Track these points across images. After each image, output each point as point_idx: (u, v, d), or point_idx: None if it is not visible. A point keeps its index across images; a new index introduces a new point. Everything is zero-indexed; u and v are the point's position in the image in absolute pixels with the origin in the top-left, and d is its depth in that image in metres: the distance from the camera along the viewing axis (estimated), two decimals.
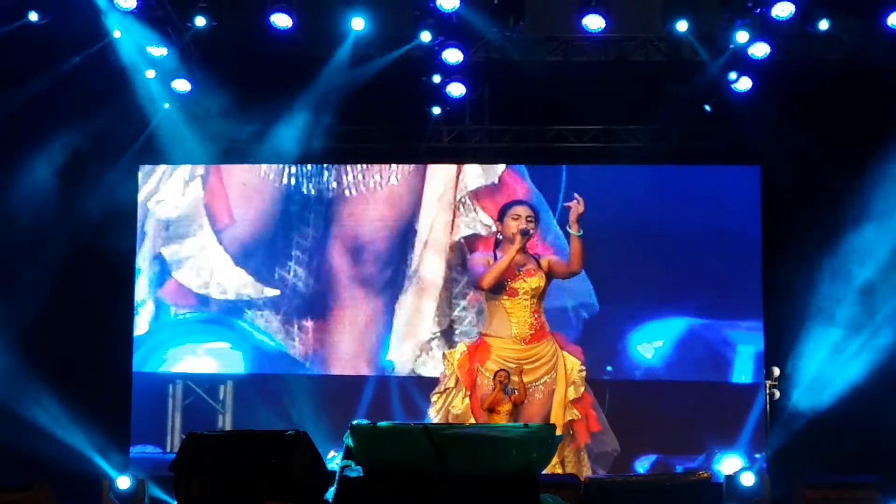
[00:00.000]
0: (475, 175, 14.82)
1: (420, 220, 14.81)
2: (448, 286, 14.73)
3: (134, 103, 14.22)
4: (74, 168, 14.23)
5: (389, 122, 14.79)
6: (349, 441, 8.04)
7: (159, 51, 13.57)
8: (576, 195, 14.24)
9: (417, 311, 14.73)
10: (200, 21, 13.59)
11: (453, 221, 14.79)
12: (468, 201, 14.77)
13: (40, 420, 13.76)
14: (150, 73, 14.01)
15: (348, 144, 14.87)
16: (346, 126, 14.70)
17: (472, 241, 14.76)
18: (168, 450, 14.50)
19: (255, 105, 14.14)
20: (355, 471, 7.90)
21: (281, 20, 13.48)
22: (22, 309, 13.77)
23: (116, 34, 13.63)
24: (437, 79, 14.09)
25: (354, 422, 8.35)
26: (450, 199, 14.81)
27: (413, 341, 14.70)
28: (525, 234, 14.32)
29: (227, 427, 14.54)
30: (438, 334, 14.69)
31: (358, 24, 13.65)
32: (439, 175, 14.87)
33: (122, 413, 14.49)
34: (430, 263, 14.76)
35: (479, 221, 14.77)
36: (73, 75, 13.80)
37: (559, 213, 14.60)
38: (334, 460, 10.76)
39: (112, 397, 14.37)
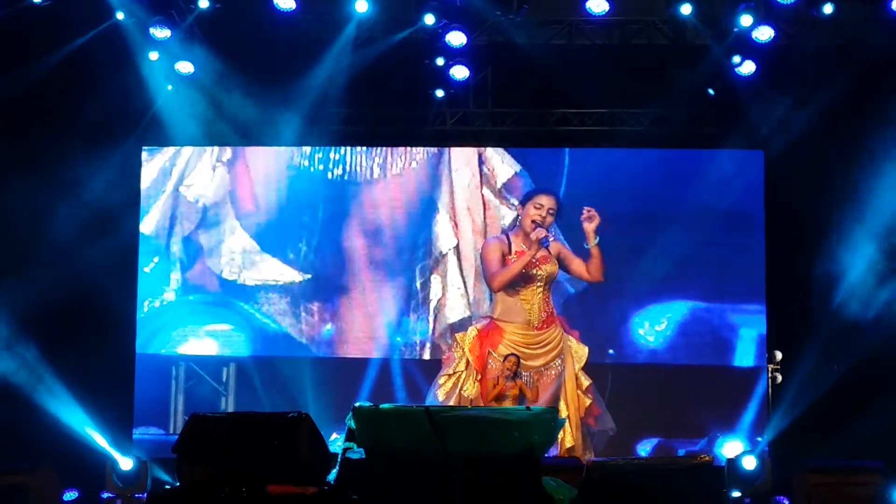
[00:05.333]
0: (499, 160, 14.82)
1: (445, 204, 14.80)
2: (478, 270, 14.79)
3: (137, 85, 14.21)
4: (78, 149, 14.21)
5: (392, 104, 14.76)
6: (351, 423, 8.07)
7: (163, 32, 13.55)
8: (586, 209, 14.28)
9: (451, 293, 14.75)
10: (204, 3, 13.61)
11: (485, 207, 14.79)
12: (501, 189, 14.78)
13: (43, 402, 13.78)
14: (154, 55, 13.99)
15: (351, 127, 14.85)
16: (349, 108, 14.68)
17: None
18: (171, 431, 14.53)
19: (258, 87, 14.14)
20: (357, 453, 7.93)
21: (284, 2, 13.48)
22: (26, 291, 13.77)
23: (120, 16, 13.64)
24: (440, 62, 14.08)
25: (357, 404, 8.38)
26: (477, 184, 14.81)
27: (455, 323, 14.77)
28: (544, 244, 14.32)
29: (230, 409, 14.56)
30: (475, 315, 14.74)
31: (361, 6, 13.63)
32: (461, 159, 14.87)
33: (125, 395, 14.52)
34: (465, 245, 14.78)
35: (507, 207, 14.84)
36: (77, 57, 13.81)
37: (561, 199, 14.61)
38: (336, 442, 10.81)
39: (115, 379, 14.39)
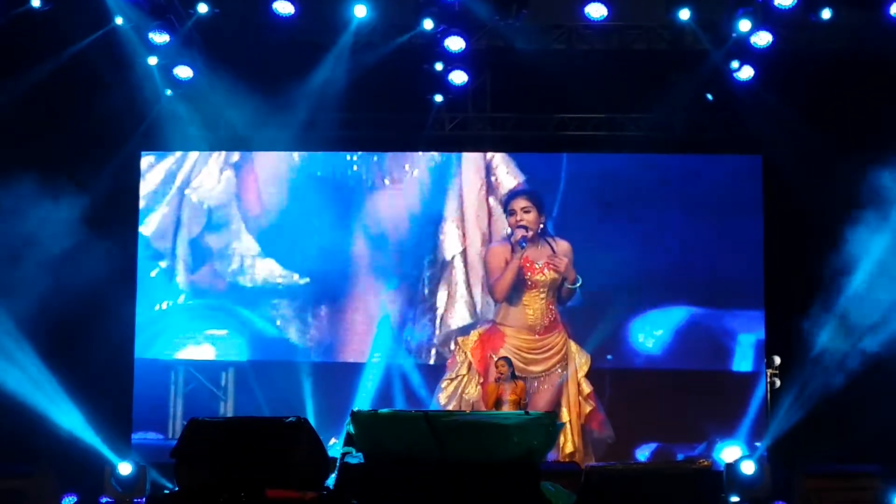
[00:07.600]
0: (504, 169, 14.82)
1: (452, 210, 14.80)
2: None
3: (136, 90, 14.22)
4: (77, 154, 14.22)
5: (391, 109, 14.77)
6: (350, 428, 8.08)
7: (161, 37, 13.56)
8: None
9: (457, 298, 14.75)
10: (202, 8, 13.63)
11: (490, 215, 14.80)
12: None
13: (42, 407, 13.76)
14: (153, 60, 14.00)
15: (350, 132, 14.86)
16: (347, 113, 14.68)
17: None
18: (169, 436, 14.53)
19: (257, 92, 14.12)
20: (356, 457, 7.94)
21: (283, 7, 13.49)
22: (24, 296, 13.77)
23: (119, 21, 13.65)
24: (439, 66, 14.07)
25: (355, 408, 8.38)
26: (484, 192, 14.82)
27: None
28: (521, 244, 14.37)
29: (229, 414, 14.56)
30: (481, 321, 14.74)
31: (360, 11, 13.65)
32: (470, 166, 14.87)
33: (123, 399, 14.53)
34: (472, 251, 14.78)
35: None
36: (76, 62, 13.81)
37: (559, 204, 14.62)
38: (335, 447, 10.81)
39: (114, 383, 14.39)
